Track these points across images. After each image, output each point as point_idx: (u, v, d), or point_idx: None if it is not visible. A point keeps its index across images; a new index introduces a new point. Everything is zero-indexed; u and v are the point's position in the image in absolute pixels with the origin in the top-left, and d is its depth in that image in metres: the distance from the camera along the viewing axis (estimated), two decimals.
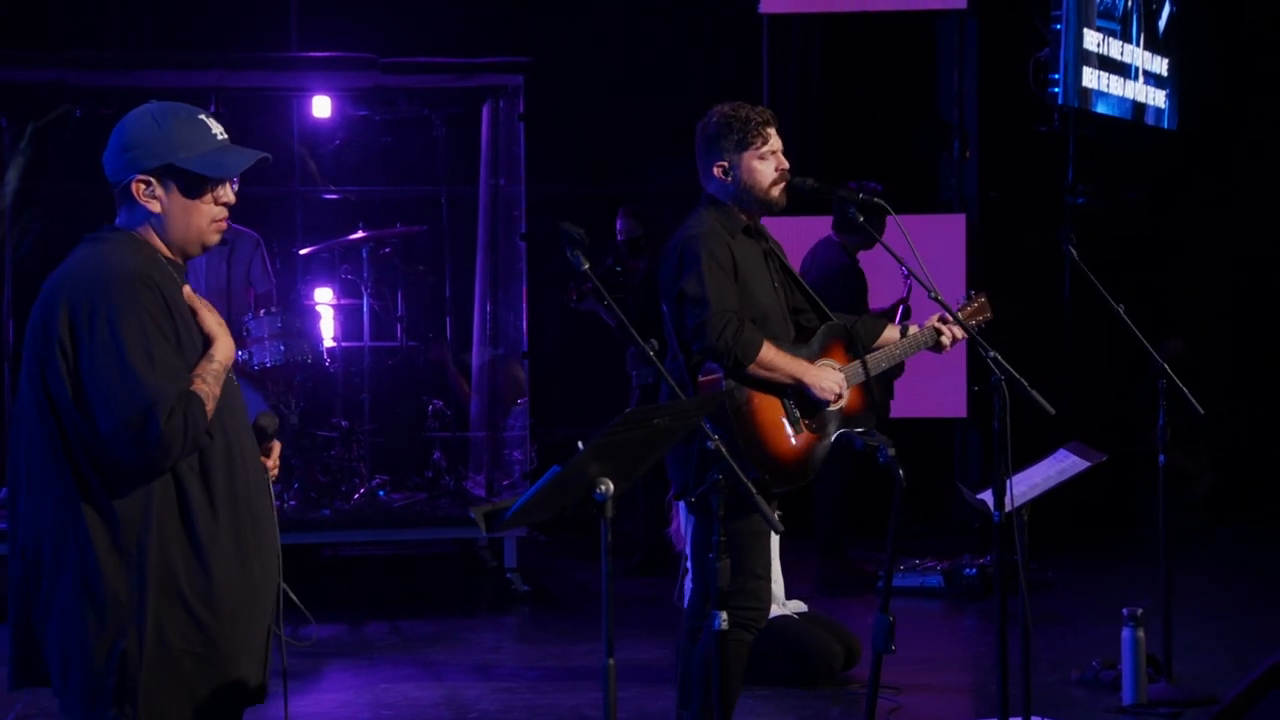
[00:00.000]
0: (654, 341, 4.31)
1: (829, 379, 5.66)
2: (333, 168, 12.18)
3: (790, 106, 12.69)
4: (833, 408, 5.69)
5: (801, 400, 5.63)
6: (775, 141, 5.83)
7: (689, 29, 12.75)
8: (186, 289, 3.94)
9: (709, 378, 5.50)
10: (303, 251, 10.76)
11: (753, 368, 5.50)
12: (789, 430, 5.60)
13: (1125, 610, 7.12)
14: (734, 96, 11.95)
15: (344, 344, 10.91)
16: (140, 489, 3.82)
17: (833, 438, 5.72)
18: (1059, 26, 12.06)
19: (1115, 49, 12.94)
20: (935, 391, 11.88)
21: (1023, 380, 5.69)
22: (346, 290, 10.98)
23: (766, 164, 5.80)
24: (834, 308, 9.57)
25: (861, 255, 10.16)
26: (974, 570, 10.02)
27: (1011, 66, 12.43)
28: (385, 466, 11.10)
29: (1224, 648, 8.48)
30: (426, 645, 8.77)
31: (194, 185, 3.95)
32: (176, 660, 3.88)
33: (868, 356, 5.84)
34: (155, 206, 3.94)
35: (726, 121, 5.81)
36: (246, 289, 10.81)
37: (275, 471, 4.18)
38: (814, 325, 5.87)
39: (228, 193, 3.99)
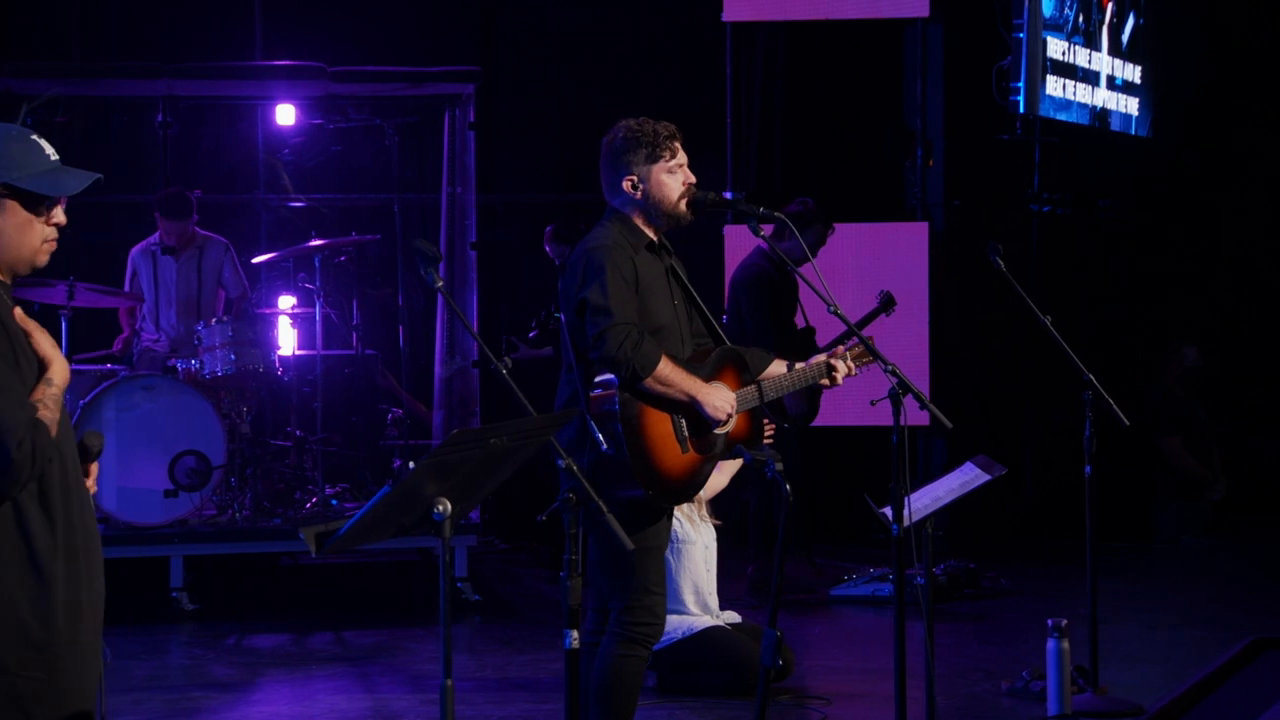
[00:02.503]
0: (508, 360, 4.31)
1: (721, 399, 5.64)
2: (288, 176, 12.21)
3: (755, 114, 12.71)
4: (720, 430, 5.68)
5: (691, 419, 5.63)
6: (682, 155, 5.84)
7: (653, 37, 12.76)
8: (17, 310, 3.92)
9: (603, 393, 5.50)
10: (256, 260, 10.78)
11: (649, 381, 5.49)
12: (677, 448, 5.61)
13: (1050, 621, 7.13)
14: (698, 105, 12.13)
15: (298, 352, 10.93)
16: None
17: (717, 460, 5.76)
18: (1020, 35, 12.07)
19: (1082, 57, 12.94)
20: None
21: (922, 395, 5.69)
22: (305, 299, 11.02)
23: (675, 177, 5.80)
24: (743, 313, 9.68)
25: (825, 267, 10.18)
26: (923, 579, 9.98)
27: (976, 75, 12.43)
28: (345, 475, 11.12)
29: (1162, 659, 8.49)
30: (366, 656, 8.77)
31: (30, 204, 3.93)
32: (12, 685, 3.83)
33: (748, 386, 5.84)
34: None
35: (634, 135, 5.80)
36: (216, 294, 10.88)
37: (94, 489, 4.14)
38: (708, 348, 5.86)
39: (59, 214, 3.98)
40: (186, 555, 9.91)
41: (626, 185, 5.75)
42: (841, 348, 6.21)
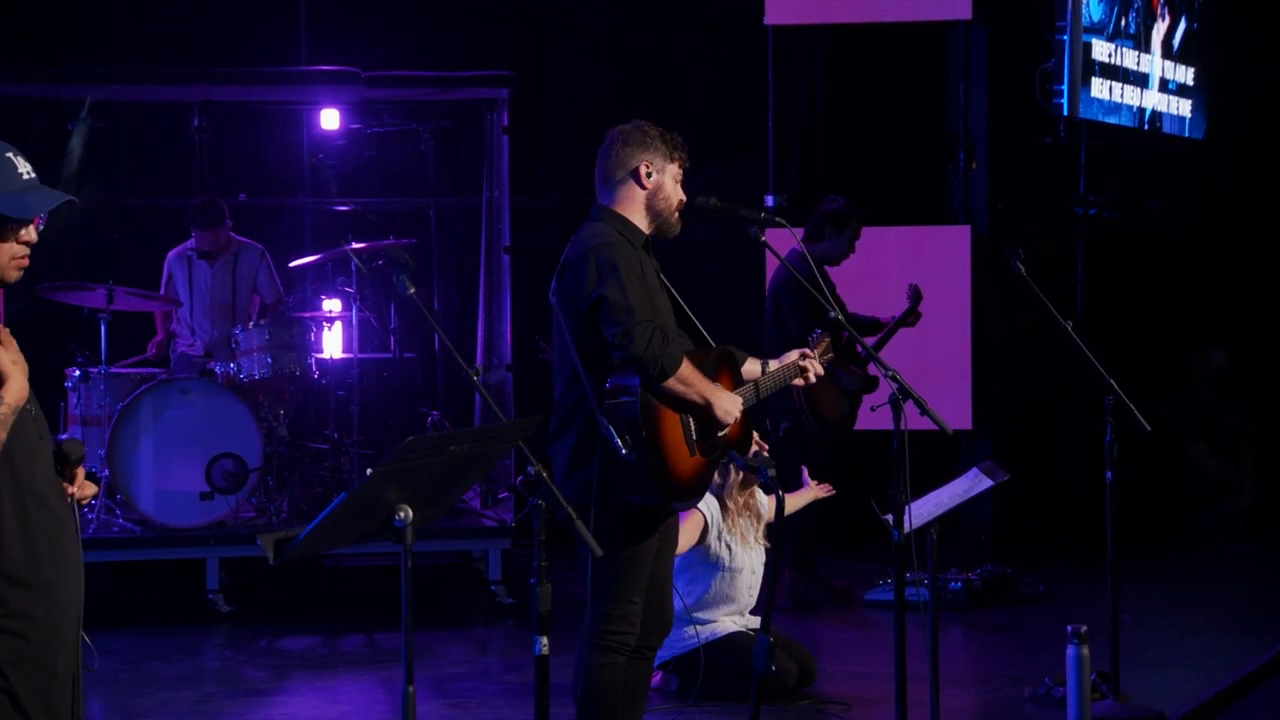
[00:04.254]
0: (478, 367, 4.33)
1: (731, 402, 5.60)
2: (325, 180, 12.31)
3: (797, 117, 12.69)
4: (721, 433, 5.67)
5: (700, 421, 5.61)
6: (683, 171, 5.84)
7: (694, 40, 12.74)
8: None
9: (620, 390, 5.43)
10: (293, 264, 10.84)
11: (672, 381, 5.42)
12: (686, 450, 5.58)
13: (1070, 627, 7.07)
14: (739, 108, 12.14)
15: (337, 356, 11.00)
16: None
17: (718, 463, 5.75)
18: (1063, 37, 12.00)
19: (1130, 59, 12.84)
20: (939, 403, 11.79)
21: (923, 400, 5.67)
22: (343, 302, 11.09)
23: (678, 187, 5.81)
24: (781, 316, 9.67)
25: (867, 271, 10.32)
26: (959, 584, 9.96)
27: (1019, 77, 12.38)
28: None
29: (1190, 665, 8.43)
30: (395, 658, 8.78)
31: None
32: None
33: (746, 386, 5.83)
34: None
35: (657, 132, 5.79)
36: (251, 299, 10.97)
37: (84, 497, 4.19)
38: (703, 351, 5.83)
39: (30, 232, 4.01)
40: (223, 557, 9.96)
41: (643, 170, 5.69)
42: (810, 348, 6.15)
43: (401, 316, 11.34)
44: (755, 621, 8.02)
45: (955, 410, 11.91)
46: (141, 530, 9.90)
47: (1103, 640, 7.28)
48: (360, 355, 10.74)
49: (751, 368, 5.93)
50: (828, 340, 6.21)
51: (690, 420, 5.59)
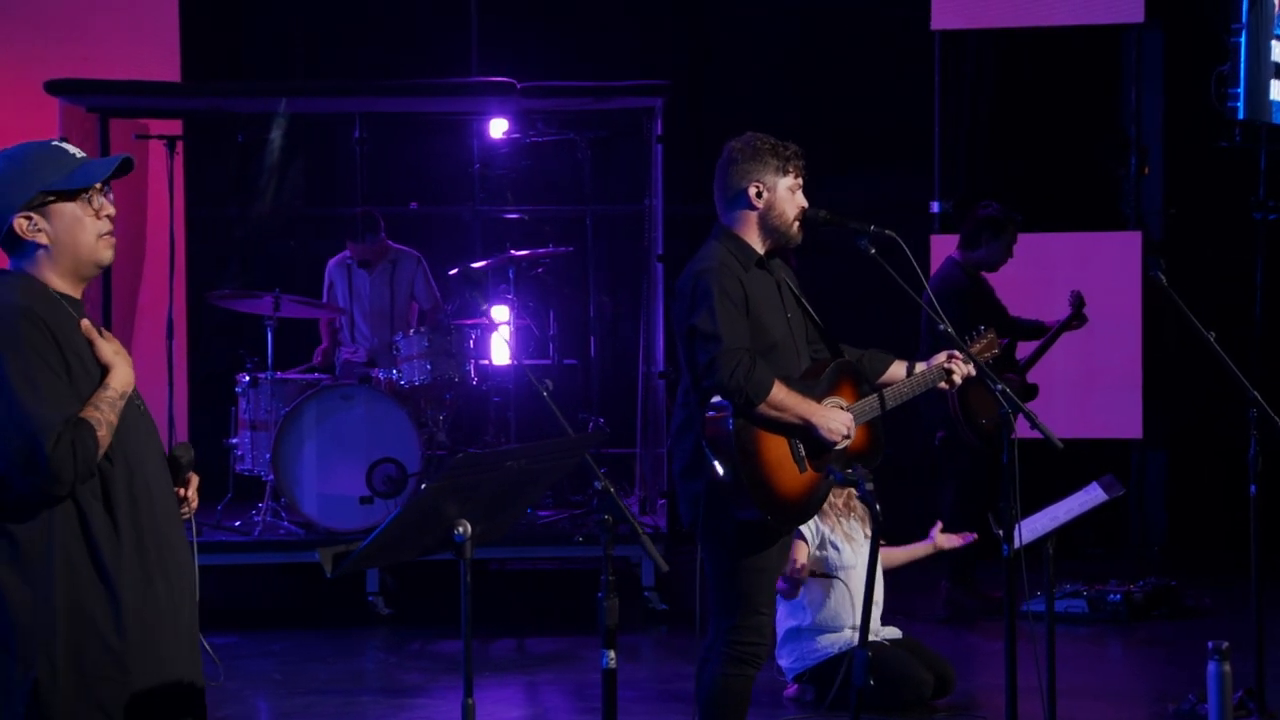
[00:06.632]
0: (548, 382, 4.37)
1: (837, 420, 5.60)
2: (488, 188, 12.45)
3: (964, 122, 12.57)
4: (839, 447, 5.66)
5: (808, 440, 5.61)
6: (801, 179, 5.85)
7: (859, 45, 12.67)
8: (85, 322, 4.05)
9: (715, 415, 5.51)
10: (451, 272, 10.97)
11: (762, 407, 5.48)
12: (794, 468, 5.59)
13: (1210, 644, 6.94)
14: (905, 113, 12.04)
15: (505, 363, 11.11)
16: (40, 517, 3.92)
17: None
18: (1238, 40, 11.72)
19: None
20: (1108, 411, 11.68)
21: (1033, 414, 5.60)
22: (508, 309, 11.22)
23: (795, 197, 5.82)
24: (935, 326, 9.57)
25: (1037, 277, 10.25)
26: (1118, 596, 9.81)
27: (1196, 80, 12.13)
28: None
29: None
30: (540, 663, 8.90)
31: (70, 200, 4.06)
32: (91, 687, 3.98)
33: (867, 398, 5.80)
34: (43, 239, 4.05)
35: (768, 145, 5.83)
36: (409, 306, 11.13)
37: (195, 503, 4.28)
38: (825, 358, 5.83)
39: (105, 204, 4.10)
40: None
41: (752, 191, 5.75)
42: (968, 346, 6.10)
43: (560, 323, 11.43)
44: (888, 631, 7.97)
45: (1125, 419, 11.74)
46: (305, 533, 10.08)
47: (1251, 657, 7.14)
48: (519, 361, 10.83)
49: (896, 371, 5.91)
50: (989, 338, 6.15)
51: (797, 440, 5.60)
